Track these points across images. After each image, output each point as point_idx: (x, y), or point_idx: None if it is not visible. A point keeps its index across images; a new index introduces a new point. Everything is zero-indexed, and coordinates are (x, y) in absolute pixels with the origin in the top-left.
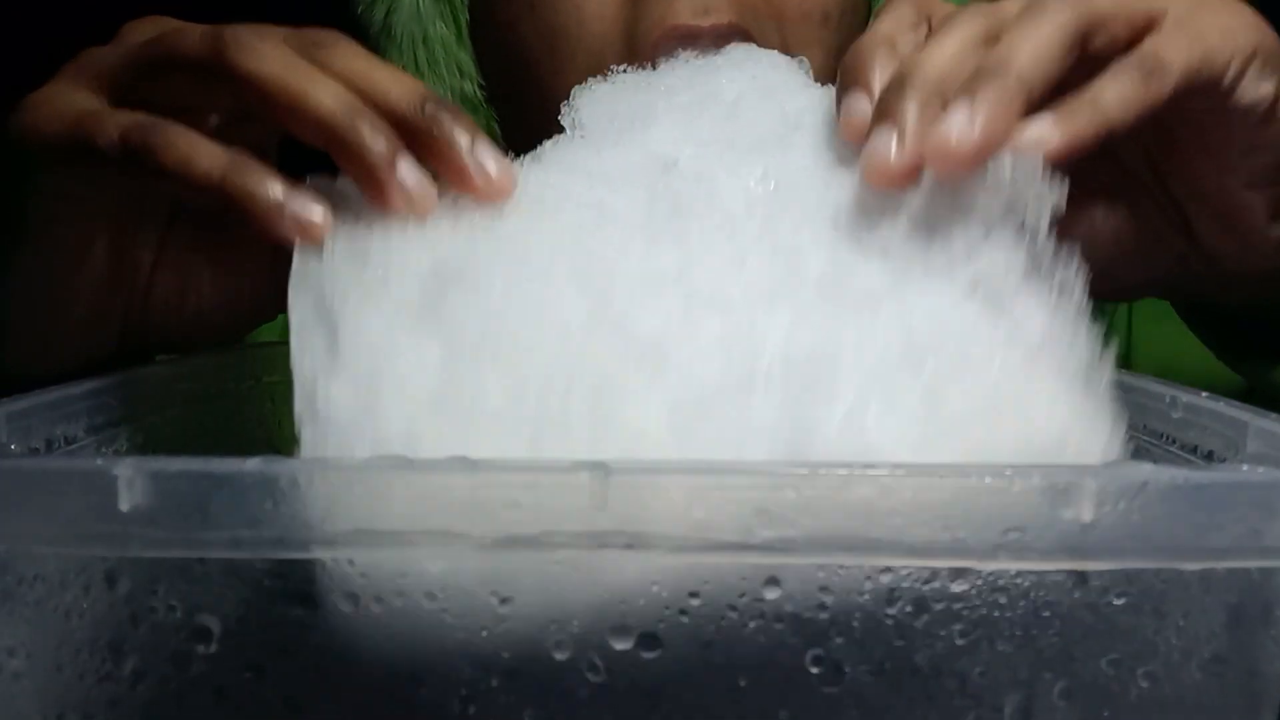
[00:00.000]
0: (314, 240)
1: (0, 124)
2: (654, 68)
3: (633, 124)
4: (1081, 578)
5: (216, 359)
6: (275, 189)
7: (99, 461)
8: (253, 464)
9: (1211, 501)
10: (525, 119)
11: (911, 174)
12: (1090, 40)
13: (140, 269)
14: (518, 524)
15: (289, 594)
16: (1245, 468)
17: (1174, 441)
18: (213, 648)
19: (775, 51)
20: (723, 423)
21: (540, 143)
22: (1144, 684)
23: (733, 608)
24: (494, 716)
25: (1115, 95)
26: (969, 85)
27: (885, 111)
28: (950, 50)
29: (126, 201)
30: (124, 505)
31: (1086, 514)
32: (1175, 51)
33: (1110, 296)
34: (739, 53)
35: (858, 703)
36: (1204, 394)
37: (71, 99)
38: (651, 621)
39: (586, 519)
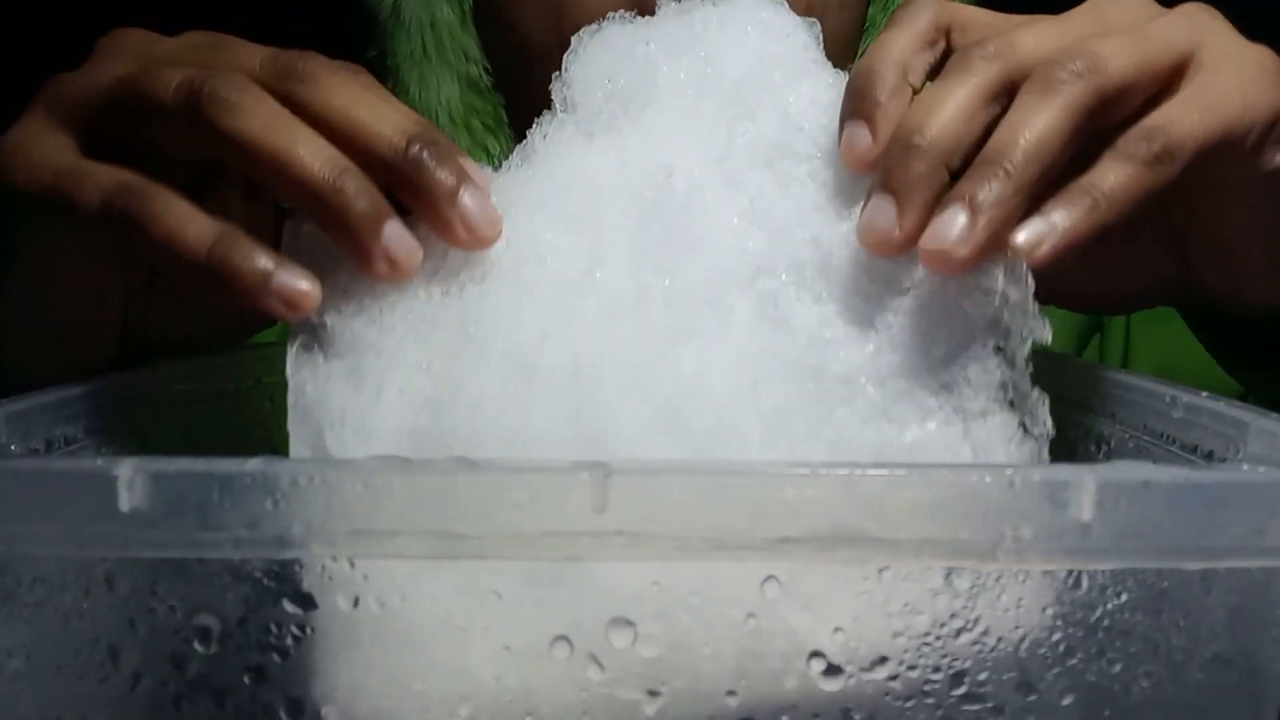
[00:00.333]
0: (302, 314)
1: None
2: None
3: (627, 107)
4: (1082, 577)
5: (216, 359)
6: (262, 263)
7: (99, 462)
8: (253, 464)
9: (1213, 501)
10: (532, 100)
11: (906, 247)
12: (1105, 114)
13: (134, 293)
14: (518, 524)
15: (289, 594)
16: (1246, 467)
17: (1174, 441)
18: (212, 648)
19: (783, 7)
20: None
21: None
22: (1145, 684)
23: (733, 607)
24: (494, 717)
25: (1118, 183)
26: (970, 179)
27: (887, 179)
28: (958, 108)
29: (114, 246)
30: (124, 506)
31: (1087, 513)
32: (1189, 126)
33: (1096, 310)
34: (743, 4)
35: (857, 703)
36: (1204, 394)
37: (46, 148)
38: (652, 621)
39: (587, 519)
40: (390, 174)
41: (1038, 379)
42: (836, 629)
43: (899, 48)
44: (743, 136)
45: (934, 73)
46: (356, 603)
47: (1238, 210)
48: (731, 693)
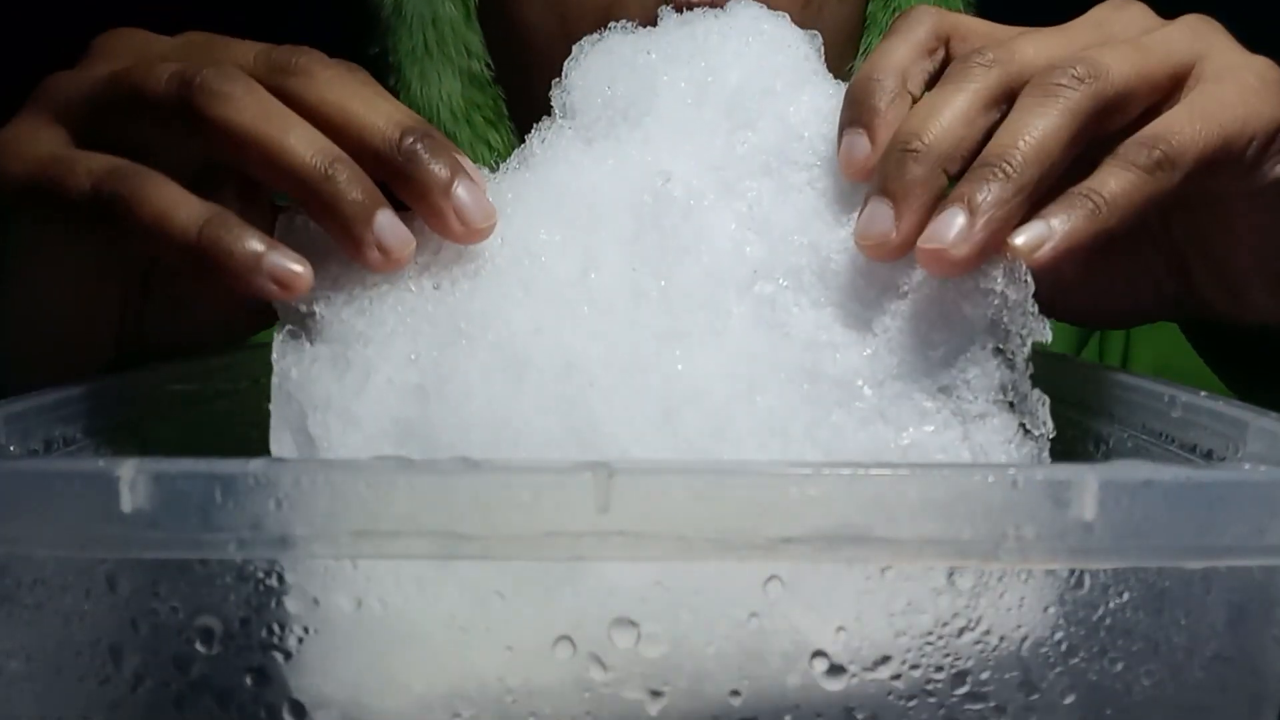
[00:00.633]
0: (294, 296)
1: None
2: (654, 25)
3: (626, 114)
4: (1083, 576)
5: (216, 359)
6: (254, 244)
7: (100, 463)
8: (255, 465)
9: (1214, 500)
10: (534, 96)
11: (904, 251)
12: (1105, 121)
13: (130, 296)
14: (520, 525)
15: (291, 595)
16: (1247, 466)
17: (1173, 441)
18: (214, 649)
19: (785, 19)
20: None
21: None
22: (1146, 683)
23: (735, 607)
24: (497, 717)
25: (1118, 189)
26: (970, 181)
27: (885, 183)
28: (957, 113)
29: (108, 238)
30: (125, 506)
31: (1088, 512)
32: (1189, 135)
33: (1097, 324)
34: (746, 16)
35: (860, 702)
36: (1203, 393)
37: (38, 140)
38: (654, 621)
39: (590, 519)
40: (384, 167)
41: (1037, 379)
42: (839, 628)
43: (898, 56)
44: (742, 145)
45: (933, 82)
46: (359, 603)
47: (1239, 225)
48: (735, 692)
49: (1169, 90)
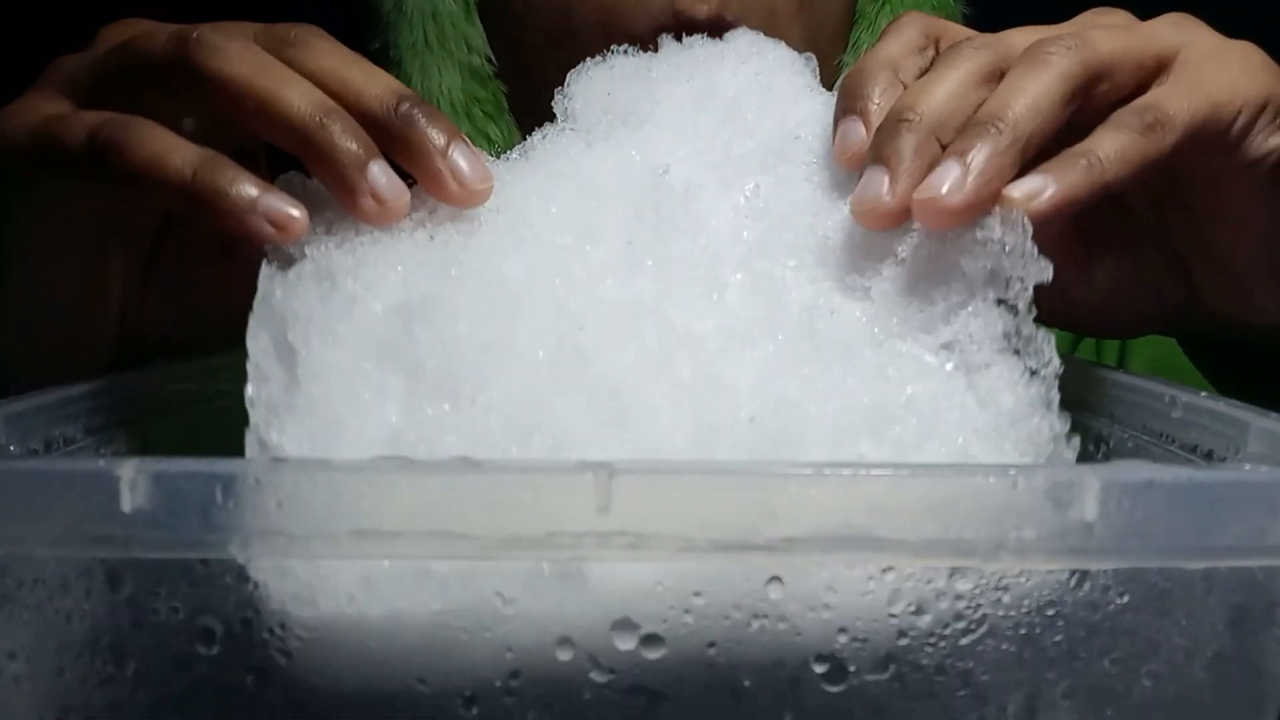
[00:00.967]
0: (289, 238)
1: None
2: (655, 49)
3: (627, 119)
4: (1084, 577)
5: (215, 359)
6: (248, 186)
7: (101, 462)
8: (256, 464)
9: (1215, 501)
10: (536, 90)
11: (900, 218)
12: (1094, 88)
13: (131, 283)
14: (521, 525)
15: (292, 595)
16: (1249, 467)
17: (1174, 441)
18: (215, 650)
19: (781, 45)
20: None
21: (550, 114)
22: (1147, 683)
23: (736, 607)
24: (497, 718)
25: (1113, 149)
26: (964, 137)
27: (879, 151)
28: (950, 87)
29: (109, 215)
30: (126, 506)
31: (1090, 513)
32: (1179, 102)
33: (1103, 335)
34: (743, 42)
35: (861, 702)
36: (1203, 394)
37: (39, 108)
38: (655, 622)
39: (590, 519)
40: (380, 130)
41: None
42: (841, 629)
43: (890, 51)
44: (740, 147)
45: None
46: (359, 604)
47: (1236, 212)
48: (736, 693)
49: (1155, 71)
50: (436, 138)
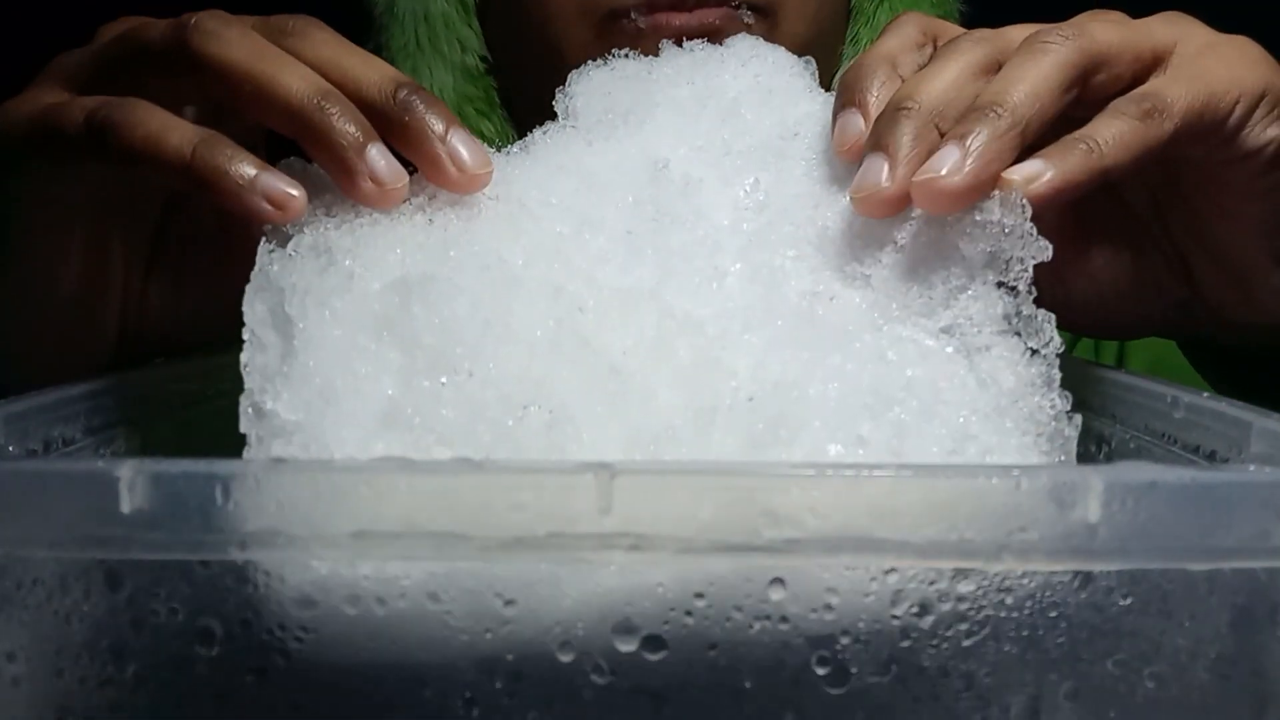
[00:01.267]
0: (288, 217)
1: None
2: (656, 54)
3: (627, 118)
4: (1087, 578)
5: (215, 359)
6: (247, 165)
7: (100, 463)
8: (255, 465)
9: (1218, 502)
10: (534, 88)
11: (899, 204)
12: (1092, 78)
13: (132, 275)
14: (522, 526)
15: (292, 596)
16: (1252, 468)
17: (1176, 442)
18: (215, 650)
19: (781, 49)
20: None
21: (547, 112)
22: (1150, 685)
23: (738, 609)
24: (498, 719)
25: (1112, 135)
26: (963, 122)
27: (878, 139)
28: (949, 78)
29: (110, 204)
30: (125, 507)
31: (1093, 514)
32: (1177, 92)
33: (1105, 336)
34: (744, 46)
35: (863, 704)
36: (1206, 394)
37: (40, 98)
38: (656, 623)
39: (591, 520)
40: (379, 117)
41: None
42: (843, 631)
43: (889, 47)
44: (740, 145)
45: None
46: (359, 604)
47: (1234, 205)
48: (737, 696)
49: (1152, 64)
50: (435, 123)
